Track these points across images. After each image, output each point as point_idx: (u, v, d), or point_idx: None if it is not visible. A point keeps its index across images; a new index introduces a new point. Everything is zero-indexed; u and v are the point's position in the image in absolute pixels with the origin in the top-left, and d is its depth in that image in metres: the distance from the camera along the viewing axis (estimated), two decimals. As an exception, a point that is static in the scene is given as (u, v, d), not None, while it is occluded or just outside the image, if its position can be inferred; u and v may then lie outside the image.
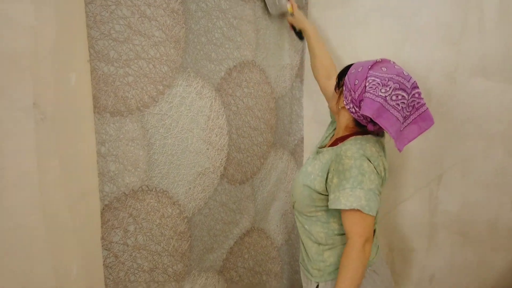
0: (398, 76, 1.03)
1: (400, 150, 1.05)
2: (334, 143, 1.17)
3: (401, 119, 1.03)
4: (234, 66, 1.29)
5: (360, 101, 1.06)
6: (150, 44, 0.97)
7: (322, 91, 1.44)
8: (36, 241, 0.78)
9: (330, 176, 1.08)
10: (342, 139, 1.15)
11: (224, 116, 1.27)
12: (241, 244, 1.46)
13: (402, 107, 1.03)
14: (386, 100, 1.02)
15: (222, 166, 1.30)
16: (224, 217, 1.35)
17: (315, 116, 1.73)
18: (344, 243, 1.16)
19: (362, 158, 1.04)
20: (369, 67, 1.06)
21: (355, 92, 1.07)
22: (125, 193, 0.96)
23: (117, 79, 0.89)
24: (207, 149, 1.22)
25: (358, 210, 1.01)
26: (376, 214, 1.11)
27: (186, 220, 1.17)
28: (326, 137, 1.31)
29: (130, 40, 0.91)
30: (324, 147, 1.24)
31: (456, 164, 1.43)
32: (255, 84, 1.41)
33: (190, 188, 1.17)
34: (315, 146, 1.32)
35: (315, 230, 1.18)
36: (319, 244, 1.18)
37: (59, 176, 0.80)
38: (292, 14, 1.43)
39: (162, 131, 1.04)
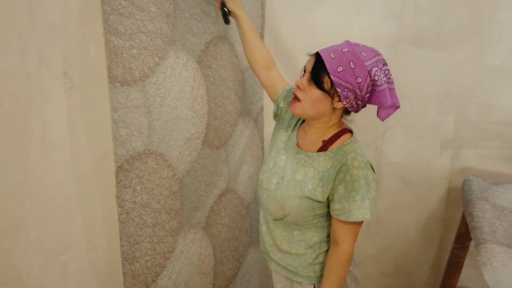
0: (377, 54, 1.06)
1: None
2: (325, 147, 1.14)
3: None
4: (211, 39, 1.40)
5: (366, 94, 1.05)
6: (148, 18, 1.05)
7: (264, 85, 1.36)
8: (71, 198, 0.87)
9: (333, 185, 1.08)
10: (331, 141, 1.13)
11: (204, 86, 1.39)
12: (219, 203, 1.62)
13: (391, 77, 1.08)
14: (388, 82, 1.06)
15: (203, 132, 1.42)
16: (206, 179, 1.49)
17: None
18: None
19: (367, 167, 1.07)
20: (361, 59, 1.02)
21: (361, 90, 1.04)
22: (132, 156, 1.06)
23: (124, 51, 0.98)
24: (192, 116, 1.33)
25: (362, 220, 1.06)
26: None
27: (178, 181, 1.30)
28: (291, 135, 1.24)
29: (133, 15, 0.99)
30: (299, 146, 1.19)
31: (398, 121, 1.71)
32: (227, 57, 1.54)
33: (180, 152, 1.29)
34: (284, 142, 1.24)
35: (308, 236, 1.18)
36: (314, 249, 1.19)
37: (84, 140, 0.89)
38: None
39: (159, 100, 1.15)
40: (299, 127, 1.24)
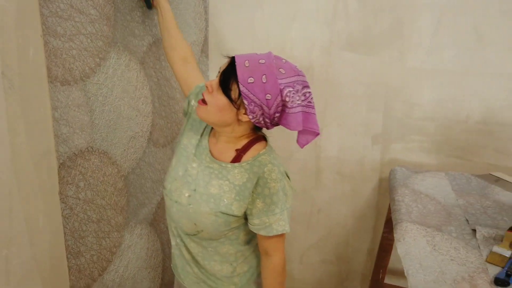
0: (297, 74, 1.00)
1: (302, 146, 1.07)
2: (238, 157, 1.07)
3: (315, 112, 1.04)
4: (153, 41, 1.46)
5: (275, 113, 0.99)
6: (88, 21, 1.10)
7: (178, 77, 1.27)
8: (11, 195, 0.90)
9: (250, 199, 1.04)
10: (244, 150, 1.08)
11: (148, 86, 1.45)
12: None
13: (313, 101, 1.02)
14: (304, 106, 0.99)
15: (148, 131, 1.48)
16: (152, 176, 1.54)
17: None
18: (253, 249, 1.18)
19: (284, 177, 1.05)
20: (276, 75, 0.96)
21: (269, 108, 0.97)
22: (75, 153, 1.10)
23: (64, 52, 1.02)
24: (136, 115, 1.38)
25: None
26: None
27: (123, 178, 1.34)
28: (201, 140, 1.15)
29: (72, 17, 1.03)
30: (212, 154, 1.11)
31: (334, 119, 1.85)
32: (171, 58, 1.60)
33: (124, 150, 1.34)
34: (195, 147, 1.14)
35: (224, 250, 1.13)
36: (230, 263, 1.16)
37: (25, 138, 0.92)
38: None
39: (101, 99, 1.19)
40: (210, 132, 1.16)
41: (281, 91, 0.96)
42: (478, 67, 1.66)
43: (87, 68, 1.12)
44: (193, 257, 1.18)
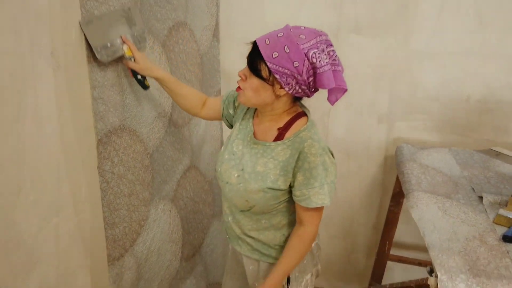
0: (319, 35, 1.04)
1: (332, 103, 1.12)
2: (281, 136, 1.14)
3: (341, 69, 1.08)
4: (173, 25, 1.52)
5: (309, 78, 1.03)
6: (119, 4, 1.16)
7: (208, 117, 1.38)
8: (60, 166, 0.97)
9: (293, 173, 1.10)
10: (286, 128, 1.13)
11: (169, 69, 1.51)
12: (184, 178, 1.75)
13: (338, 59, 1.07)
14: (331, 64, 1.03)
15: (169, 111, 1.55)
16: (172, 155, 1.62)
17: (230, 71, 2.05)
18: None
19: (325, 152, 1.08)
20: (296, 42, 1.00)
21: (301, 74, 1.02)
22: (110, 131, 1.17)
23: (100, 35, 1.08)
24: (159, 96, 1.45)
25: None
26: None
27: (149, 156, 1.42)
28: (246, 123, 1.24)
29: (106, 2, 1.10)
30: (255, 135, 1.20)
31: (341, 100, 1.93)
32: (187, 42, 1.66)
33: (150, 129, 1.41)
34: (239, 130, 1.24)
35: (276, 221, 1.21)
36: (283, 233, 1.23)
37: (69, 114, 0.99)
38: (131, 58, 1.17)
39: (130, 79, 1.26)
40: (253, 113, 1.24)
41: (305, 55, 1.00)
42: (478, 48, 1.75)
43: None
44: (246, 232, 1.26)
